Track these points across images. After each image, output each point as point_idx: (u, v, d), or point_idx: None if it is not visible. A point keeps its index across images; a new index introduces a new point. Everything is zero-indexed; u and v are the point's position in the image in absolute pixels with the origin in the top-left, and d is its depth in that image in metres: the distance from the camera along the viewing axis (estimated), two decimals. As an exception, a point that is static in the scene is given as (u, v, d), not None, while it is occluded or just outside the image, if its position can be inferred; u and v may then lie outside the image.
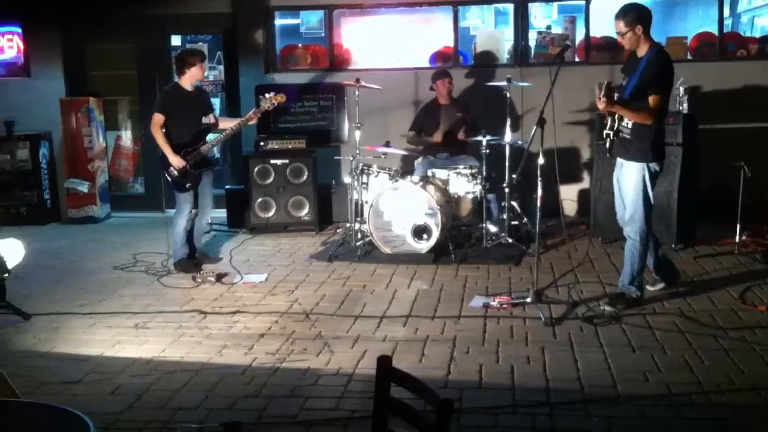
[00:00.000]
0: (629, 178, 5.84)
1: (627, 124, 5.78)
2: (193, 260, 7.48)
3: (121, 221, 10.30)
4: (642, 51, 5.80)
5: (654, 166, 5.80)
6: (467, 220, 8.28)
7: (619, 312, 5.81)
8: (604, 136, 5.91)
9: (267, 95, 7.56)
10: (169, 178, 7.29)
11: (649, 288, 6.26)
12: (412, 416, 2.48)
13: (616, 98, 5.61)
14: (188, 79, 7.35)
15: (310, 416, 4.24)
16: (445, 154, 8.48)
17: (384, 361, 2.60)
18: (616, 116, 5.79)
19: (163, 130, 7.26)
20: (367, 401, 2.60)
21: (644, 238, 5.87)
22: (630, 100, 5.69)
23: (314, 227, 9.05)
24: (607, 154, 6.02)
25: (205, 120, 7.44)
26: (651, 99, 5.62)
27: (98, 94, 10.41)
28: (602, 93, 5.51)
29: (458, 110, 8.53)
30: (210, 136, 7.51)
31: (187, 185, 7.32)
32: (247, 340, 5.46)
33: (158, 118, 7.25)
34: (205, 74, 8.72)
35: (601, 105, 5.58)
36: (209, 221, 8.03)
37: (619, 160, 5.97)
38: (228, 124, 7.59)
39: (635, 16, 5.73)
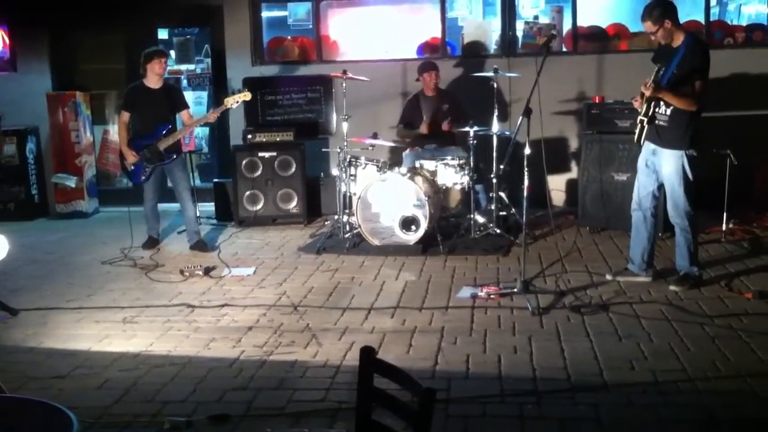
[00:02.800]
0: (668, 166, 5.99)
1: (665, 111, 5.90)
2: (152, 242, 8.10)
3: (110, 216, 10.27)
4: (677, 41, 5.92)
5: (692, 152, 5.95)
6: (455, 210, 8.30)
7: (687, 290, 6.01)
8: (638, 122, 6.02)
9: (233, 93, 7.83)
10: (125, 170, 8.01)
11: (641, 279, 6.33)
12: (396, 406, 2.49)
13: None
14: (149, 77, 7.77)
15: (297, 408, 4.25)
16: (433, 145, 8.47)
17: (367, 352, 2.60)
18: (652, 103, 5.90)
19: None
20: (355, 393, 2.60)
21: (693, 220, 6.05)
22: (669, 88, 5.81)
23: (303, 220, 9.04)
24: (637, 141, 6.10)
25: (180, 117, 7.90)
26: (697, 85, 5.79)
27: (85, 89, 10.37)
28: (651, 79, 5.74)
29: (444, 102, 8.53)
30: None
31: (142, 177, 7.84)
32: (235, 333, 5.46)
33: (122, 116, 7.92)
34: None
35: (648, 91, 5.75)
36: (196, 213, 8.16)
37: (651, 146, 6.08)
38: (191, 119, 7.94)
39: (661, 12, 5.85)
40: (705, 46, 6.01)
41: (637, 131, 6.07)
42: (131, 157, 7.75)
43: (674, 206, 6.05)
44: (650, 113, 5.92)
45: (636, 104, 6.09)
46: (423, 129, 8.38)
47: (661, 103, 5.89)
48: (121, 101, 7.94)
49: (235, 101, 7.69)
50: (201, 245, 7.91)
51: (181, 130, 7.84)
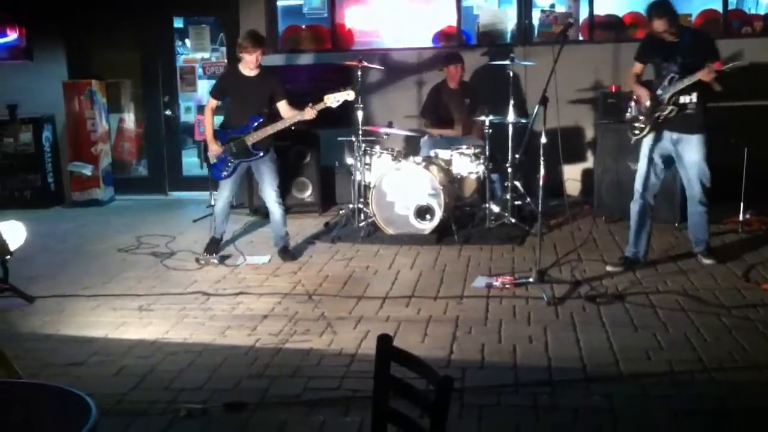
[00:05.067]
0: (698, 152, 6.15)
1: (691, 99, 6.02)
2: (215, 243, 7.25)
3: (125, 204, 10.32)
4: (677, 35, 6.05)
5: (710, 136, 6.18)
6: (470, 200, 8.28)
7: (718, 263, 6.34)
8: (667, 111, 6.09)
9: (339, 92, 6.92)
10: (208, 162, 7.20)
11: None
12: (413, 394, 2.48)
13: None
14: (244, 64, 6.95)
15: (312, 396, 4.26)
16: (453, 133, 8.46)
17: (384, 340, 2.60)
18: (679, 91, 6.01)
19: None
20: (370, 381, 2.59)
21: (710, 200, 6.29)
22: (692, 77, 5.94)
23: (317, 208, 9.04)
24: (652, 130, 6.22)
25: (282, 107, 7.02)
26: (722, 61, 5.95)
27: (101, 77, 10.40)
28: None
29: (467, 95, 8.49)
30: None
31: (223, 174, 7.07)
32: (250, 321, 5.48)
33: (210, 102, 7.18)
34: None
35: (711, 75, 5.83)
36: (284, 215, 7.22)
37: (672, 135, 6.19)
38: (288, 113, 6.96)
39: (671, 8, 5.99)
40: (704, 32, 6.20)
41: (650, 123, 6.15)
42: (216, 148, 6.98)
43: (702, 189, 6.22)
44: (680, 102, 6.02)
45: (645, 96, 6.15)
46: (457, 130, 8.32)
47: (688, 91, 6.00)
48: (213, 87, 7.27)
49: (336, 100, 6.88)
50: (286, 253, 7.15)
51: (274, 125, 6.90)
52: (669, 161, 6.34)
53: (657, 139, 6.24)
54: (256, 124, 6.92)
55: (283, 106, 7.00)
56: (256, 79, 6.97)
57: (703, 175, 6.18)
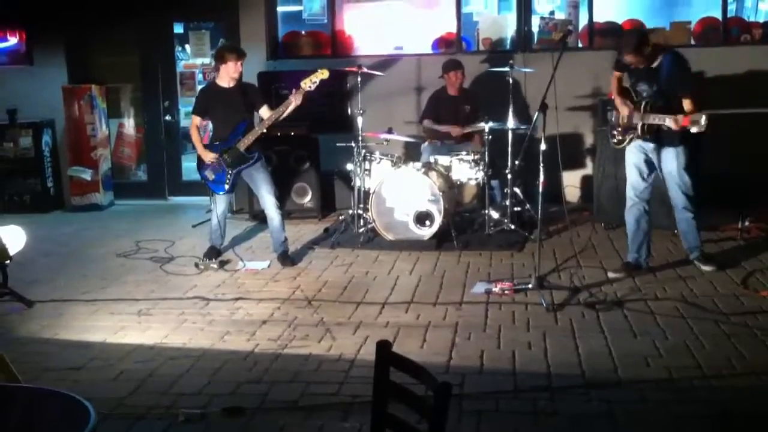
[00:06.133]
0: (674, 161, 6.19)
1: (667, 124, 6.00)
2: (215, 251, 7.26)
3: (125, 208, 10.33)
4: (656, 60, 6.07)
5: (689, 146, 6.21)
6: (470, 206, 8.28)
7: (717, 270, 6.36)
8: (640, 134, 6.17)
9: (313, 74, 6.95)
10: (207, 180, 7.15)
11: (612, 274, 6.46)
12: (412, 400, 2.49)
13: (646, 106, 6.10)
14: (223, 76, 7.03)
15: (311, 402, 4.26)
16: (452, 141, 8.46)
17: (383, 346, 2.60)
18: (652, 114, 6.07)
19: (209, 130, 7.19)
20: (369, 387, 2.59)
21: (696, 206, 6.33)
22: (665, 104, 6.00)
23: (317, 214, 9.05)
24: (640, 140, 6.25)
25: (259, 114, 7.13)
26: (691, 99, 5.92)
27: (101, 82, 10.41)
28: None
29: (467, 102, 8.48)
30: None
31: (226, 186, 7.09)
32: (249, 327, 5.47)
33: (193, 120, 7.20)
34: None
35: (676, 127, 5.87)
36: (283, 220, 7.24)
37: (650, 145, 6.23)
38: (268, 114, 7.03)
39: (641, 41, 6.01)
40: (685, 58, 6.15)
41: (625, 138, 6.28)
42: (211, 155, 6.98)
43: (685, 196, 6.25)
44: (654, 128, 6.08)
45: (625, 112, 6.22)
46: (456, 131, 8.30)
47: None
48: (193, 105, 7.30)
49: (312, 82, 6.89)
50: (285, 258, 7.15)
51: (261, 124, 7.00)
52: (653, 165, 6.37)
53: (637, 147, 6.30)
54: (243, 129, 6.96)
55: (265, 111, 7.07)
56: (236, 90, 7.04)
57: (682, 184, 6.22)
